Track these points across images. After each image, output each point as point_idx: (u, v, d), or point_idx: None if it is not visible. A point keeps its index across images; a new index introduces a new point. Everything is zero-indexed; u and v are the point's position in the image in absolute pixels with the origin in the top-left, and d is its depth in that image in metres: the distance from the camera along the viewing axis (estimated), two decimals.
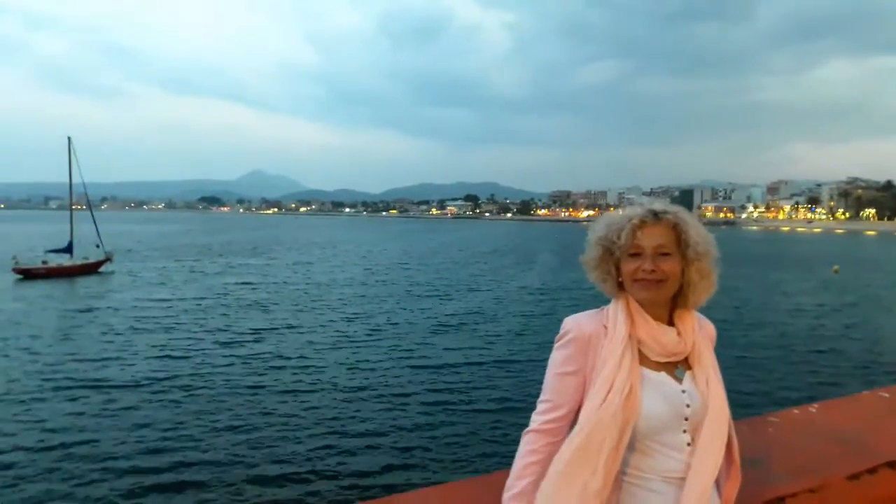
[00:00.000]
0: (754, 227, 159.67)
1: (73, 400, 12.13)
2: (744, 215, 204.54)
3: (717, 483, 1.48)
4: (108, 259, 37.72)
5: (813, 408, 2.56)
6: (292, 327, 19.76)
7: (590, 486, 1.35)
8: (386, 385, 13.34)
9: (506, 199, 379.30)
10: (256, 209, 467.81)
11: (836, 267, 40.65)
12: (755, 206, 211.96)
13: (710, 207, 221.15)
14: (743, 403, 11.64)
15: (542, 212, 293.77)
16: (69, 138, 39.73)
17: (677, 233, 1.46)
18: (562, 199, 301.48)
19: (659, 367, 1.46)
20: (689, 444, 1.42)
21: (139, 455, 9.41)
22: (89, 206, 44.46)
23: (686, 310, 1.52)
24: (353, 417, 11.28)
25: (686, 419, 1.43)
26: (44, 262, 35.19)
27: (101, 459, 9.23)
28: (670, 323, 1.50)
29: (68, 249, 36.42)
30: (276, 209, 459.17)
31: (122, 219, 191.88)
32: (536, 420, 1.48)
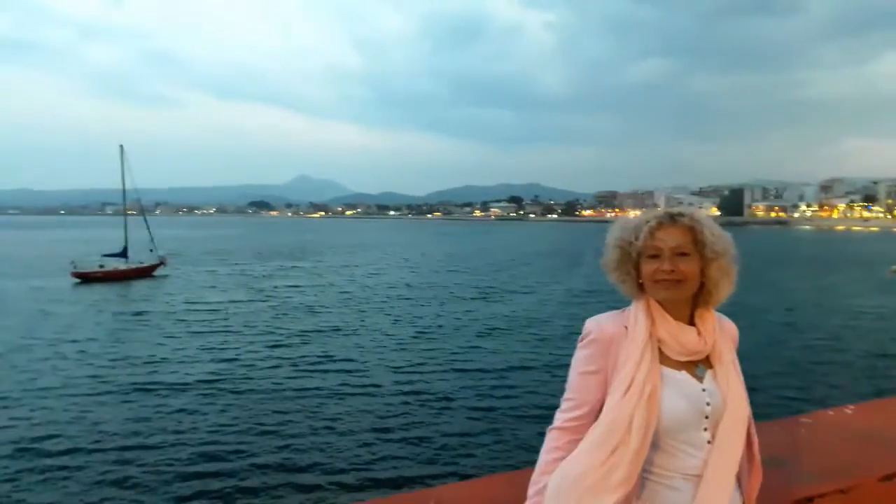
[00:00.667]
0: (807, 227, 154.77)
1: (127, 402, 12.49)
2: (796, 214, 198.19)
3: (739, 481, 1.51)
4: (162, 263, 38.94)
5: (849, 409, 2.55)
6: (338, 329, 20.07)
7: (609, 478, 1.39)
8: (430, 388, 13.43)
9: (550, 199, 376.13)
10: (304, 213, 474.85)
11: (894, 267, 39.11)
12: (808, 205, 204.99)
13: (760, 207, 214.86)
14: (789, 406, 11.37)
15: (588, 212, 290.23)
16: (121, 146, 41.22)
17: (694, 234, 1.50)
18: (607, 199, 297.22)
19: (679, 365, 1.50)
20: (709, 442, 1.45)
21: (188, 458, 9.60)
22: (142, 212, 45.98)
23: (707, 309, 1.55)
24: (398, 419, 11.40)
25: (707, 417, 1.46)
26: (100, 266, 36.46)
27: (151, 462, 9.45)
28: (691, 323, 1.53)
29: (123, 254, 37.70)
30: (322, 213, 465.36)
31: (174, 224, 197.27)
32: (560, 418, 1.54)
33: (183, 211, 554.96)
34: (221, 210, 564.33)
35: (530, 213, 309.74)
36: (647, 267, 1.50)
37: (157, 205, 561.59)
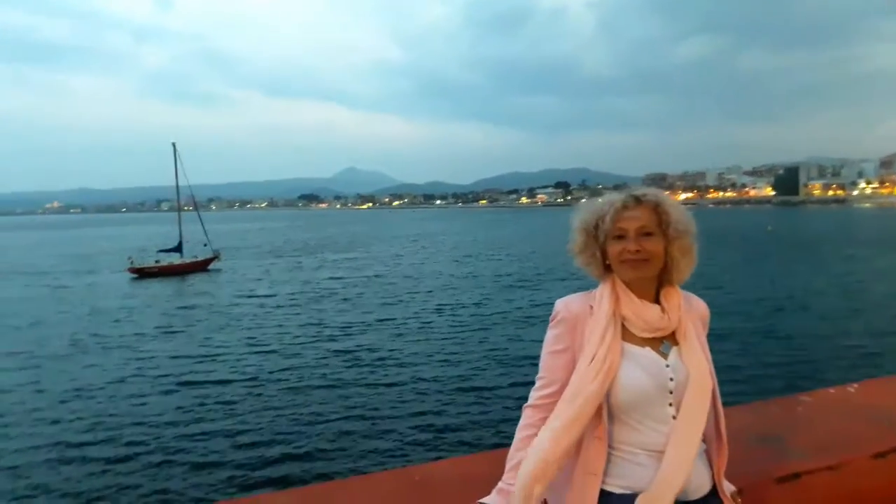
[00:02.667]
0: (867, 205, 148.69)
1: (179, 394, 12.87)
2: (855, 192, 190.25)
3: (709, 457, 1.57)
4: (215, 257, 40.03)
5: (852, 387, 2.54)
6: (387, 320, 20.30)
7: (569, 457, 1.48)
8: (474, 377, 13.48)
9: (598, 184, 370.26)
10: (352, 204, 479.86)
11: None
12: (868, 182, 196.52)
13: (817, 185, 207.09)
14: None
15: None
16: (173, 144, 42.48)
17: (658, 214, 1.55)
18: (657, 181, 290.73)
19: (644, 342, 1.54)
20: (674, 418, 1.48)
21: (236, 451, 9.80)
22: (196, 207, 47.33)
23: (672, 287, 1.59)
24: (441, 410, 11.49)
25: (671, 392, 1.49)
26: (156, 262, 37.64)
27: (200, 454, 9.71)
28: (656, 301, 1.58)
29: (178, 249, 38.88)
30: (370, 204, 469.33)
31: (227, 218, 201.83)
32: (533, 396, 1.60)
33: (236, 206, 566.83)
34: (272, 203, 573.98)
35: (578, 199, 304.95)
36: (614, 248, 1.55)
37: (211, 200, 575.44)
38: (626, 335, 1.55)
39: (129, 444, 10.21)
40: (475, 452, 2.12)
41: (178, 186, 43.01)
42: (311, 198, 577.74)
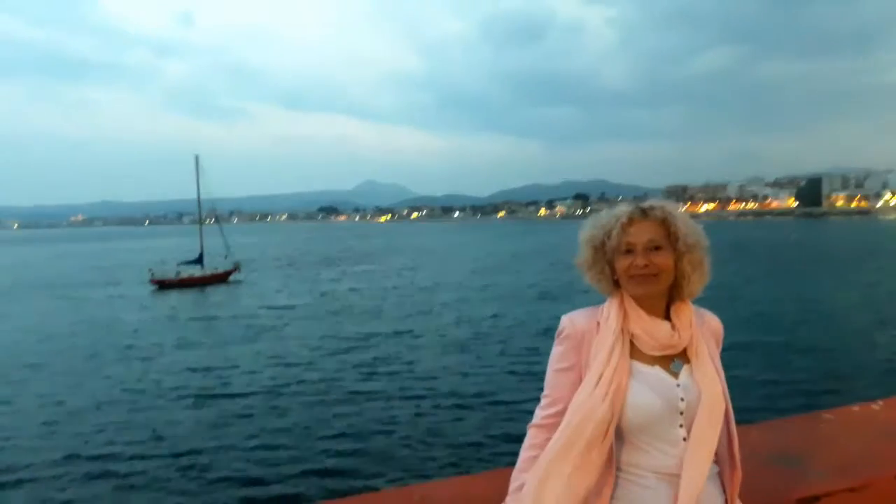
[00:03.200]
0: (893, 217, 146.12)
1: (192, 407, 12.87)
2: (879, 203, 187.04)
3: (722, 479, 1.49)
4: (235, 269, 40.36)
5: (877, 404, 2.44)
6: (403, 333, 20.29)
7: (574, 479, 1.39)
8: (489, 393, 13.32)
9: (617, 196, 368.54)
10: (371, 217, 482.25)
11: None
12: (893, 193, 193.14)
13: (840, 196, 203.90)
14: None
15: None
16: (196, 157, 42.99)
17: (666, 227, 1.49)
18: (677, 193, 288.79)
19: (653, 360, 1.48)
20: (684, 439, 1.42)
21: (242, 466, 9.73)
22: (217, 220, 47.83)
23: (683, 303, 1.53)
24: (455, 423, 11.42)
25: (681, 413, 1.43)
26: (177, 274, 38.05)
27: (208, 469, 9.65)
28: (667, 317, 1.51)
29: (199, 261, 39.29)
30: (388, 216, 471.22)
31: (248, 231, 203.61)
32: (538, 415, 1.54)
33: (257, 218, 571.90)
34: (292, 216, 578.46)
35: (597, 211, 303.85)
36: (622, 263, 1.49)
37: (232, 213, 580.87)
38: (635, 353, 1.49)
39: (141, 457, 10.18)
40: (479, 472, 2.05)
41: (199, 199, 43.49)
42: (330, 210, 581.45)
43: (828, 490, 1.85)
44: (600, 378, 1.43)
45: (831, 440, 2.14)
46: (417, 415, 11.92)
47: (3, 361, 17.44)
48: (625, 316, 1.50)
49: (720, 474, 1.50)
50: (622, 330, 1.49)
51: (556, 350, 1.56)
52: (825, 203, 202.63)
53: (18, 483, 9.38)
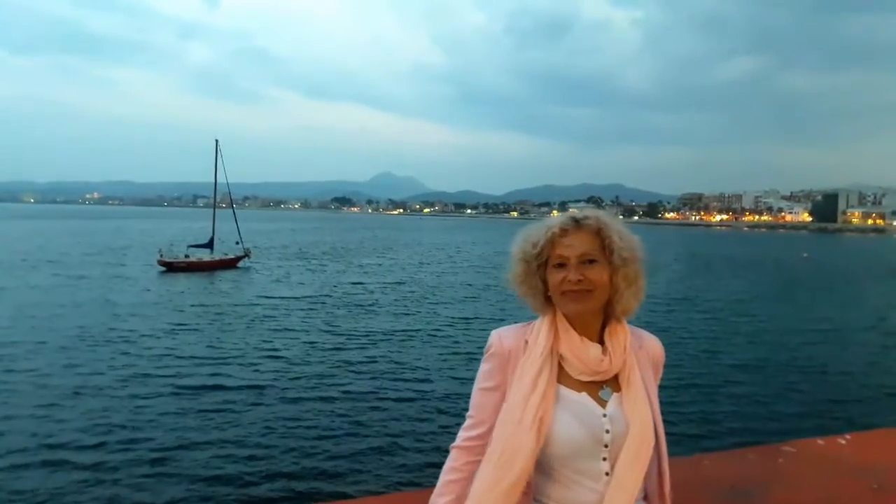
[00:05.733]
0: None
1: (185, 396, 12.36)
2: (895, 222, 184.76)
3: None
4: (245, 255, 40.38)
5: (843, 439, 2.35)
6: (407, 330, 20.19)
7: None
8: None
9: (632, 201, 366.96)
10: (383, 210, 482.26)
11: None
12: None
13: (856, 213, 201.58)
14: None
15: (671, 215, 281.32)
16: (216, 141, 42.96)
17: (601, 238, 1.39)
18: (692, 201, 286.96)
19: (581, 386, 1.38)
20: (607, 474, 1.33)
21: (237, 463, 9.36)
22: (232, 205, 47.82)
23: (619, 324, 1.43)
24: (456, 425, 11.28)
25: (605, 446, 1.33)
26: (186, 257, 38.06)
27: (198, 464, 9.24)
28: (601, 340, 1.41)
29: (209, 245, 39.29)
30: (401, 210, 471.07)
31: (260, 217, 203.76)
32: (460, 436, 1.46)
33: (270, 205, 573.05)
34: (306, 205, 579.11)
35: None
36: (554, 278, 1.39)
37: (247, 198, 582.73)
38: (563, 377, 1.39)
39: (124, 448, 9.67)
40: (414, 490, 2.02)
41: (216, 182, 43.44)
42: (343, 201, 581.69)
43: None
44: (526, 403, 1.34)
45: (788, 475, 2.06)
46: (408, 418, 11.59)
47: None
48: (555, 336, 1.41)
49: None
50: (551, 351, 1.39)
51: (483, 368, 1.47)
52: (840, 219, 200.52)
53: None
